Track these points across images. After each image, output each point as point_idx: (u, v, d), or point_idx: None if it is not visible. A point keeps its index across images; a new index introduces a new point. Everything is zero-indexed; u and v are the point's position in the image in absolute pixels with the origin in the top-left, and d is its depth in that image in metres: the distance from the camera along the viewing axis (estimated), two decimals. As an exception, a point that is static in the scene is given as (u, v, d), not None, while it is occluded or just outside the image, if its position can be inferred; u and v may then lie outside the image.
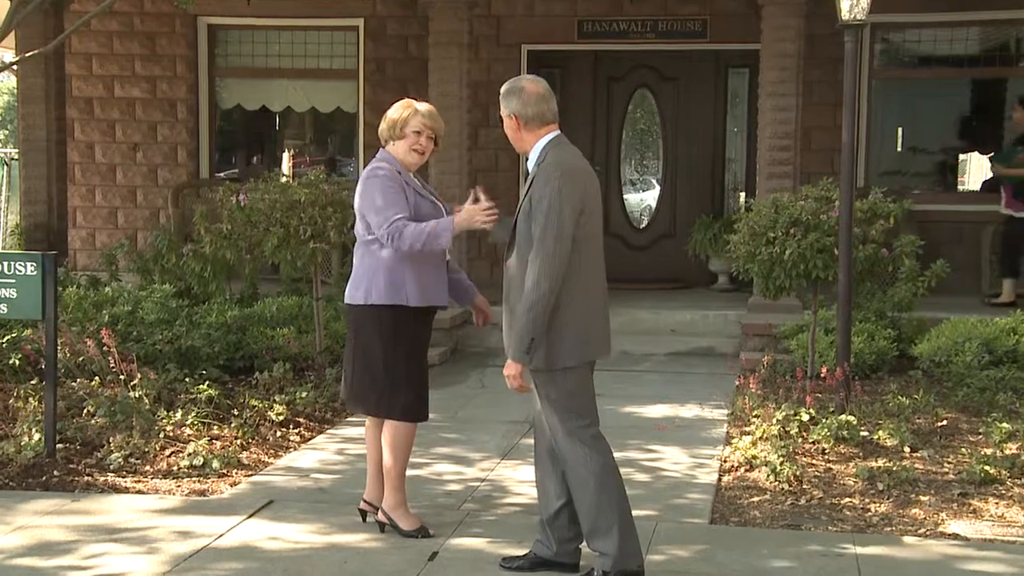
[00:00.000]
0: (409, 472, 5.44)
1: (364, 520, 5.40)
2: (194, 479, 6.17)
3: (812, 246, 7.33)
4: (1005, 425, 6.86)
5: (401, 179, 5.17)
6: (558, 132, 4.65)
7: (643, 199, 13.09)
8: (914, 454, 6.59)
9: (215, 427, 6.96)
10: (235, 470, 6.34)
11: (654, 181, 13.05)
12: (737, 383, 7.85)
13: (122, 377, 7.15)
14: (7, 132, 36.93)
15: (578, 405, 4.61)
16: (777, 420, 6.80)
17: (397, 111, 5.29)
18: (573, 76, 12.68)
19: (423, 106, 5.30)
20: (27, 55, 9.35)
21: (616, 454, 4.63)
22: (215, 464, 6.29)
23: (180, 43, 12.87)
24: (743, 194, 12.34)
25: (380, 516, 5.31)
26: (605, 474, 4.57)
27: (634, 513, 4.66)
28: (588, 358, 4.62)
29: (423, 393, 5.27)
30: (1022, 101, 10.66)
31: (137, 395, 7.00)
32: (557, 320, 4.48)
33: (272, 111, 13.37)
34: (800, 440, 6.74)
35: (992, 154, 11.35)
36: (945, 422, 7.27)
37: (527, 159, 4.68)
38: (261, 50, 13.06)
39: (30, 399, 7.21)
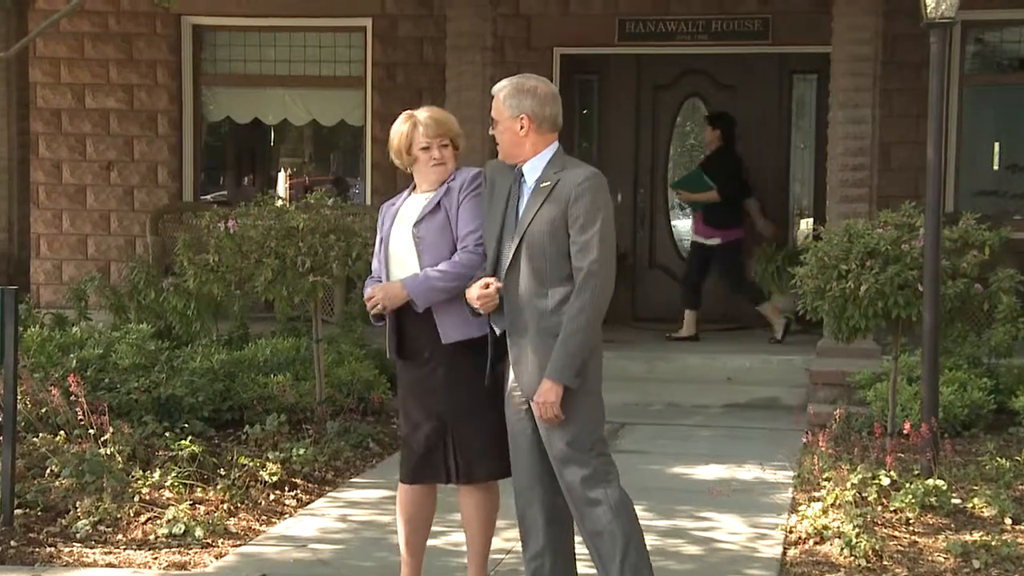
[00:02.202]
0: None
1: None
2: (174, 549, 6.16)
3: (892, 281, 7.28)
4: (1123, 492, 6.78)
5: (391, 209, 5.31)
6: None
7: (694, 226, 13.07)
8: (1016, 527, 6.52)
9: (198, 489, 6.96)
10: (221, 539, 6.33)
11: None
12: (804, 440, 7.79)
13: (91, 431, 7.15)
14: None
15: (598, 436, 4.82)
16: (852, 484, 6.75)
17: (395, 135, 5.28)
18: (613, 84, 12.71)
19: (421, 115, 5.26)
20: (-14, 60, 9.45)
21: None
22: (198, 532, 6.28)
23: (161, 46, 12.98)
24: (810, 220, 12.30)
25: None
26: (633, 527, 4.76)
27: (686, 593, 4.63)
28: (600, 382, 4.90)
29: (408, 452, 5.31)
30: (710, 119, 11.60)
31: (108, 452, 7.01)
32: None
33: (266, 124, 13.46)
34: (879, 508, 6.68)
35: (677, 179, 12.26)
36: (1053, 488, 7.19)
37: (523, 170, 4.85)
38: (254, 54, 13.15)
39: (-15, 456, 7.22)
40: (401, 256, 5.17)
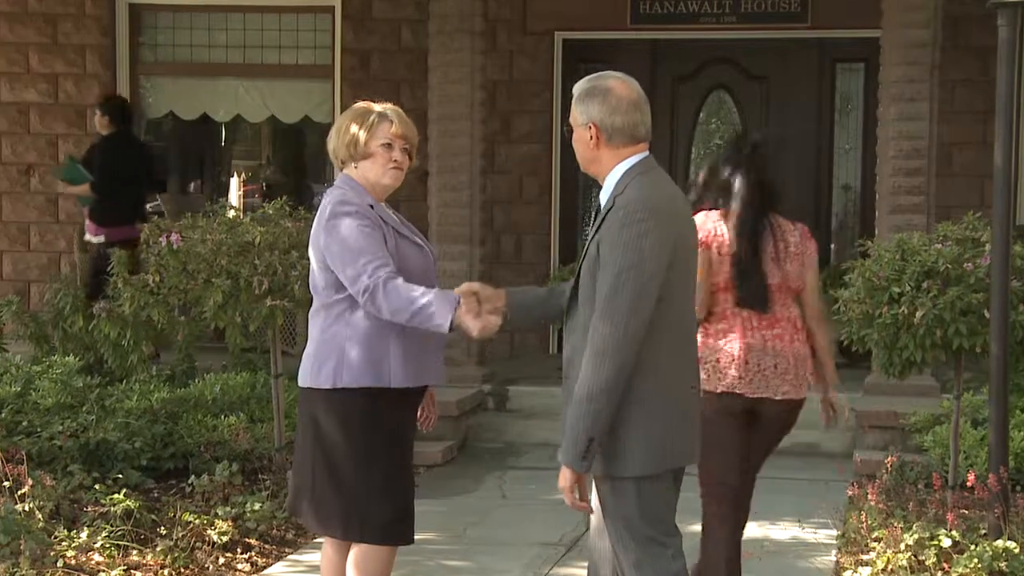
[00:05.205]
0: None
1: None
2: (104, 623, 6.15)
3: (953, 305, 7.29)
4: None
5: (375, 214, 5.16)
6: (647, 154, 4.64)
7: (720, 240, 13.10)
8: (1099, 594, 6.51)
9: (134, 552, 6.94)
10: (161, 611, 6.32)
11: (736, 216, 13.05)
12: (850, 493, 7.81)
13: (6, 484, 7.14)
14: None
15: (655, 527, 4.56)
16: (907, 545, 6.74)
17: (354, 120, 5.25)
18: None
19: (389, 109, 5.29)
20: None
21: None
22: (133, 603, 6.27)
23: (92, 29, 12.99)
24: (857, 234, 12.32)
25: None
26: None
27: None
28: (670, 465, 4.58)
29: (409, 505, 5.26)
30: (99, 106, 11.89)
31: (27, 508, 6.98)
32: (629, 411, 4.42)
33: (216, 121, 13.48)
34: (940, 574, 6.67)
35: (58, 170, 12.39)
36: None
37: (600, 188, 4.66)
38: (202, 39, 13.17)
39: None
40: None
